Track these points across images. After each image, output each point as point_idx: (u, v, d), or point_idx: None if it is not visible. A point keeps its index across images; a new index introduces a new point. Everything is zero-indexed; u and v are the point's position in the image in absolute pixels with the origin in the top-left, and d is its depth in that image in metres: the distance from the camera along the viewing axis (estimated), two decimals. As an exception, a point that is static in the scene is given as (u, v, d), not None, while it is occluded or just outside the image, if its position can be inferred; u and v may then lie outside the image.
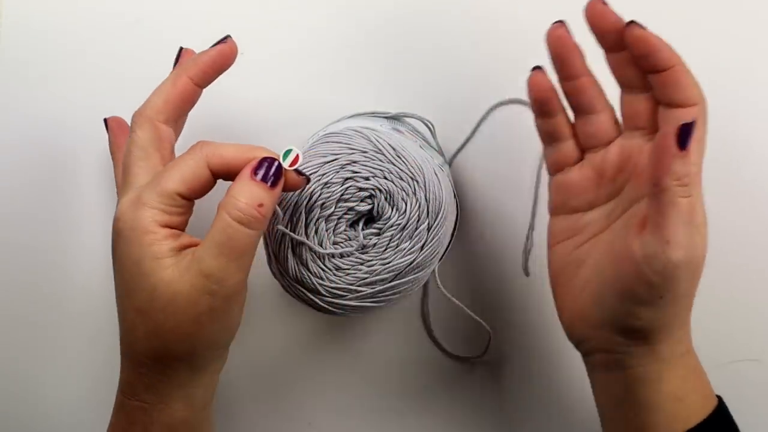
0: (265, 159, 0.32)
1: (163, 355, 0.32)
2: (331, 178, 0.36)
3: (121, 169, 0.34)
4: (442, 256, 0.38)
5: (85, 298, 0.46)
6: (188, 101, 0.35)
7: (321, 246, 0.36)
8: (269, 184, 0.32)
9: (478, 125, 0.45)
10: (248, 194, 0.31)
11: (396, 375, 0.46)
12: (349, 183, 0.36)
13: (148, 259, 0.31)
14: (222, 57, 0.35)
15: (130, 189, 0.33)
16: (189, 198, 0.32)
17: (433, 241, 0.36)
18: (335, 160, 0.36)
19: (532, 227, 0.45)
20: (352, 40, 0.45)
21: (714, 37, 0.44)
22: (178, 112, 0.35)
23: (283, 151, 0.32)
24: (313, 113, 0.43)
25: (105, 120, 0.40)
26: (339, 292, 0.36)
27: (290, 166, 0.32)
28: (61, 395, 0.47)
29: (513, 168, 0.45)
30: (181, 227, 0.33)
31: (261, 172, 0.32)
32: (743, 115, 0.44)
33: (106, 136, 0.41)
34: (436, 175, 0.37)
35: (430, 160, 0.38)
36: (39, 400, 0.47)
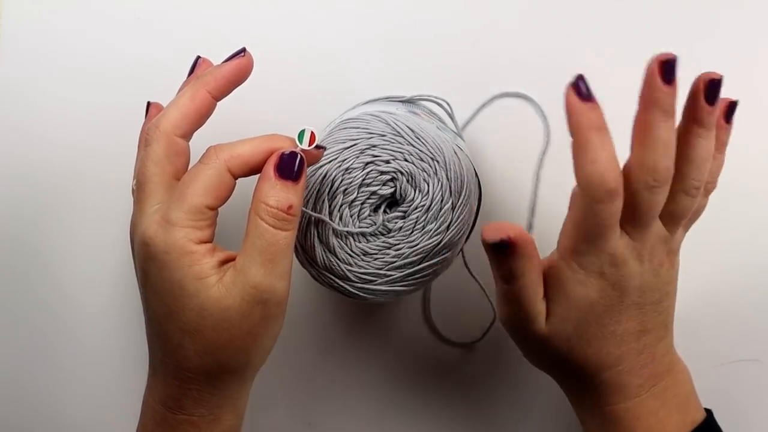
0: (284, 154, 0.31)
1: (217, 371, 0.32)
2: (351, 164, 0.35)
3: (135, 181, 0.34)
4: (469, 235, 0.38)
5: (87, 303, 0.47)
6: (205, 115, 0.34)
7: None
8: (294, 178, 0.31)
9: (478, 111, 0.44)
10: (276, 197, 0.31)
11: (396, 372, 0.46)
12: (370, 167, 0.35)
13: (191, 280, 0.31)
14: (240, 71, 0.35)
15: (147, 206, 0.32)
16: (216, 207, 0.32)
17: (459, 220, 0.36)
18: (354, 145, 0.35)
19: (531, 227, 0.45)
20: (365, 28, 0.45)
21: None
22: (195, 127, 0.34)
23: (297, 134, 0.32)
24: (327, 102, 0.43)
25: (148, 103, 0.39)
26: (368, 277, 0.35)
27: (309, 145, 0.32)
28: (73, 404, 0.47)
29: (512, 167, 0.45)
30: (212, 238, 0.32)
31: (283, 169, 0.31)
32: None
33: (115, 130, 0.40)
34: (456, 154, 0.36)
35: (449, 140, 0.37)
36: (49, 409, 0.47)
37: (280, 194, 0.31)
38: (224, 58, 0.35)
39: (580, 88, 0.29)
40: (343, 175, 0.35)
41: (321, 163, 0.35)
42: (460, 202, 0.36)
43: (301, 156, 0.32)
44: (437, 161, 0.35)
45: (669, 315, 0.35)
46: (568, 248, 0.32)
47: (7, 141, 0.47)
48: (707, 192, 0.35)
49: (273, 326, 0.33)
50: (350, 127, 0.36)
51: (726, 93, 0.44)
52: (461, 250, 0.43)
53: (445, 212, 0.35)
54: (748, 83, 0.44)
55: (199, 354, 0.32)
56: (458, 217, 0.36)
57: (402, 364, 0.46)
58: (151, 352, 0.34)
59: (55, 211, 0.47)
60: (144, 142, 0.33)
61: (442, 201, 0.35)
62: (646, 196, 0.30)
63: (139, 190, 0.33)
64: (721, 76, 0.30)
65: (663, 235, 0.33)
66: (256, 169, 0.32)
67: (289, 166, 0.31)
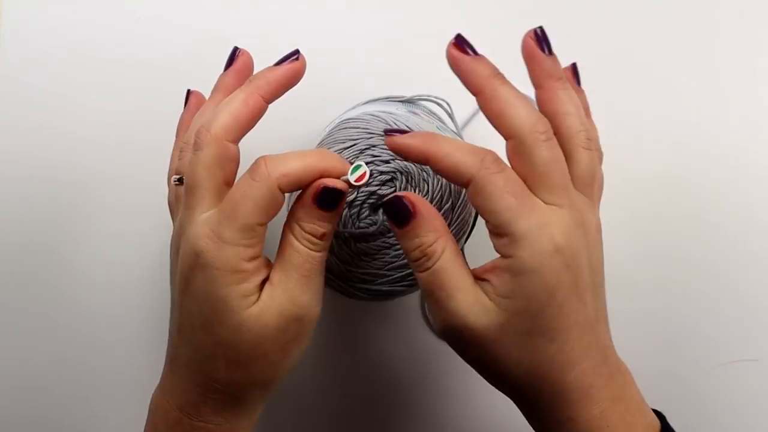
0: (327, 188, 0.31)
1: (243, 384, 0.32)
2: (351, 164, 0.35)
3: (185, 184, 0.33)
4: (468, 235, 0.38)
5: (104, 298, 0.47)
6: (257, 119, 0.33)
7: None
8: (331, 208, 0.31)
9: (478, 111, 0.44)
10: (310, 224, 0.31)
11: (396, 371, 0.46)
12: (370, 167, 0.35)
13: (235, 296, 0.31)
14: (294, 74, 0.34)
15: (196, 212, 0.32)
16: (267, 222, 0.32)
17: (459, 220, 0.36)
18: (354, 145, 0.35)
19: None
20: (365, 28, 0.45)
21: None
22: (245, 131, 0.33)
23: (353, 166, 0.31)
24: (327, 102, 0.43)
25: (188, 92, 0.38)
26: (368, 278, 0.35)
27: (356, 181, 0.31)
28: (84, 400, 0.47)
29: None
30: (261, 252, 0.32)
31: (323, 202, 0.31)
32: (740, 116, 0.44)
33: (115, 128, 0.39)
34: (455, 154, 0.36)
35: (449, 139, 0.37)
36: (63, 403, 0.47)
37: (315, 222, 0.31)
38: (277, 60, 0.34)
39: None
40: (342, 175, 0.35)
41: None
42: (460, 201, 0.36)
43: (343, 192, 0.31)
44: (437, 161, 0.35)
45: (605, 305, 0.33)
46: (506, 242, 0.30)
47: (6, 140, 0.47)
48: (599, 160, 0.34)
49: (303, 342, 0.33)
50: (350, 127, 0.36)
51: (726, 91, 0.44)
52: (461, 250, 0.43)
53: (444, 212, 0.35)
54: (748, 82, 0.45)
55: (229, 366, 0.32)
56: (458, 217, 0.36)
57: (402, 364, 0.46)
58: (173, 355, 0.34)
59: (55, 210, 0.47)
60: (194, 144, 0.32)
61: (441, 201, 0.35)
62: (546, 152, 0.30)
63: (188, 194, 0.32)
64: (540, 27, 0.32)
65: (586, 201, 0.32)
66: (304, 185, 0.32)
67: (329, 201, 0.31)
